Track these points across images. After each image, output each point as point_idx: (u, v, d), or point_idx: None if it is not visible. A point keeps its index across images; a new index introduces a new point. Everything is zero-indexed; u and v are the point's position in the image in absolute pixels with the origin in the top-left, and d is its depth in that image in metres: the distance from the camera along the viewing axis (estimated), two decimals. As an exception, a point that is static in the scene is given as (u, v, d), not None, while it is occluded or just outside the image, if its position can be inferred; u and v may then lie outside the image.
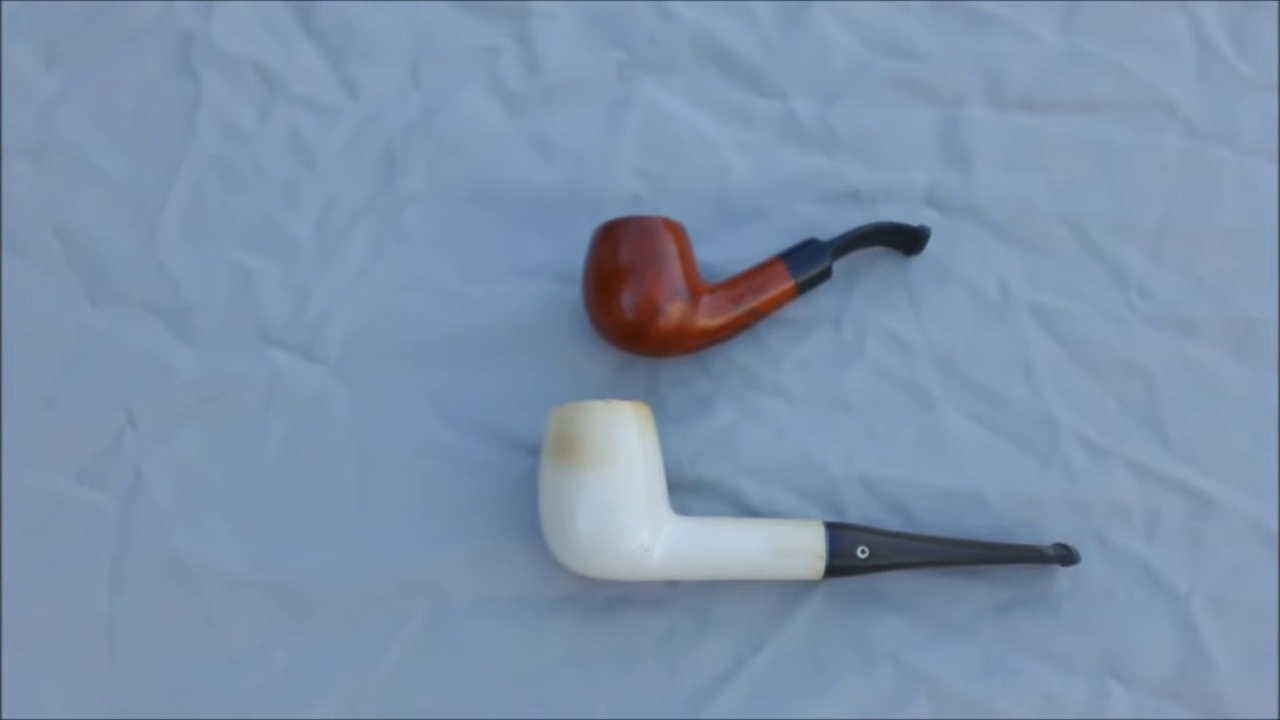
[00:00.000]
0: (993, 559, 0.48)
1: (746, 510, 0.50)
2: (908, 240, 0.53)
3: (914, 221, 0.53)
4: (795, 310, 0.53)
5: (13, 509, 0.50)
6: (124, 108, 0.55)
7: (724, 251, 0.53)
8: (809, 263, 0.51)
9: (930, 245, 0.53)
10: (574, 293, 0.53)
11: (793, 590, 0.49)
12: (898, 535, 0.48)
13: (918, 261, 0.53)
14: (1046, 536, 0.50)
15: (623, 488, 0.46)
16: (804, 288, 0.51)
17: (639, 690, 0.48)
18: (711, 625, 0.49)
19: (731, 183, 0.55)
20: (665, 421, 0.51)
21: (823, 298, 0.53)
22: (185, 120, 0.55)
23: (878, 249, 0.53)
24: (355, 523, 0.50)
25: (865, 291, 0.53)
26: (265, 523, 0.50)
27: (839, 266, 0.53)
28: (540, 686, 0.48)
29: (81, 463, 0.50)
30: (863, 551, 0.47)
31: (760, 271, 0.51)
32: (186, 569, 0.49)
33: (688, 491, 0.50)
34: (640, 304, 0.48)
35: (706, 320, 0.50)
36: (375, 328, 0.52)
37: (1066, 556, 0.48)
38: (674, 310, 0.49)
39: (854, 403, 0.52)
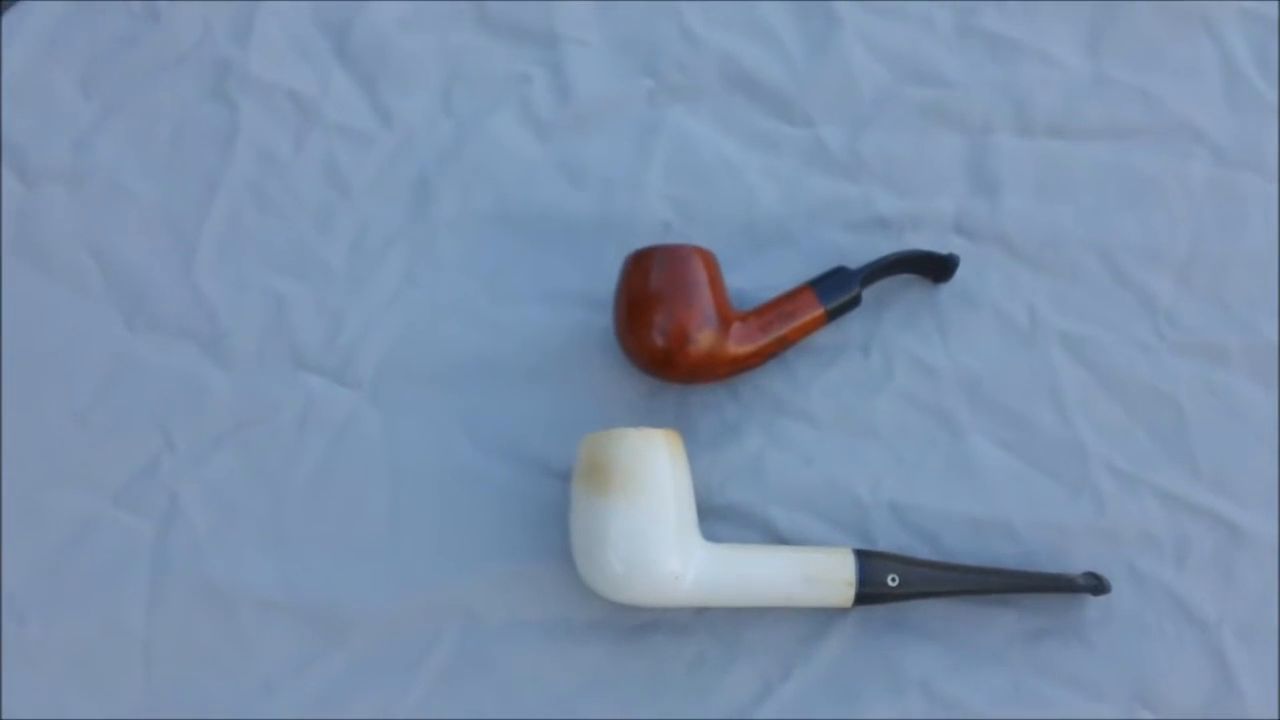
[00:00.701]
0: (1023, 588, 0.48)
1: (775, 537, 0.51)
2: (936, 268, 0.53)
3: (943, 249, 0.54)
4: (824, 337, 0.53)
5: (49, 530, 0.51)
6: (160, 135, 0.56)
7: (752, 278, 0.54)
8: (838, 290, 0.52)
9: (959, 273, 0.54)
10: (604, 318, 0.53)
11: (822, 617, 0.50)
12: (928, 564, 0.48)
13: (946, 289, 0.54)
14: (1075, 565, 0.50)
15: (654, 515, 0.47)
16: (833, 315, 0.52)
17: (669, 715, 0.48)
18: (740, 652, 0.49)
19: (760, 209, 0.55)
20: (695, 448, 0.52)
21: (851, 325, 0.54)
22: (221, 147, 0.56)
23: (906, 276, 0.54)
24: (387, 545, 0.51)
25: (894, 319, 0.54)
26: (299, 546, 0.51)
27: (868, 294, 0.54)
28: (570, 710, 0.48)
29: (118, 486, 0.51)
30: (893, 580, 0.48)
31: (790, 299, 0.52)
32: (221, 592, 0.50)
33: (717, 518, 0.51)
34: (671, 331, 0.49)
35: (737, 348, 0.50)
36: (408, 352, 0.53)
37: (1097, 586, 0.48)
38: (704, 338, 0.49)
39: (882, 429, 0.52)
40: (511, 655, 0.49)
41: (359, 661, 0.49)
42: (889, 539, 0.51)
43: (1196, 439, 0.52)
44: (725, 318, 0.50)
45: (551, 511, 0.51)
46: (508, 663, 0.49)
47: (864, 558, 0.48)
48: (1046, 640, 0.49)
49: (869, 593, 0.48)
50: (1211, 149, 0.56)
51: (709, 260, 0.51)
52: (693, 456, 0.51)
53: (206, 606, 0.50)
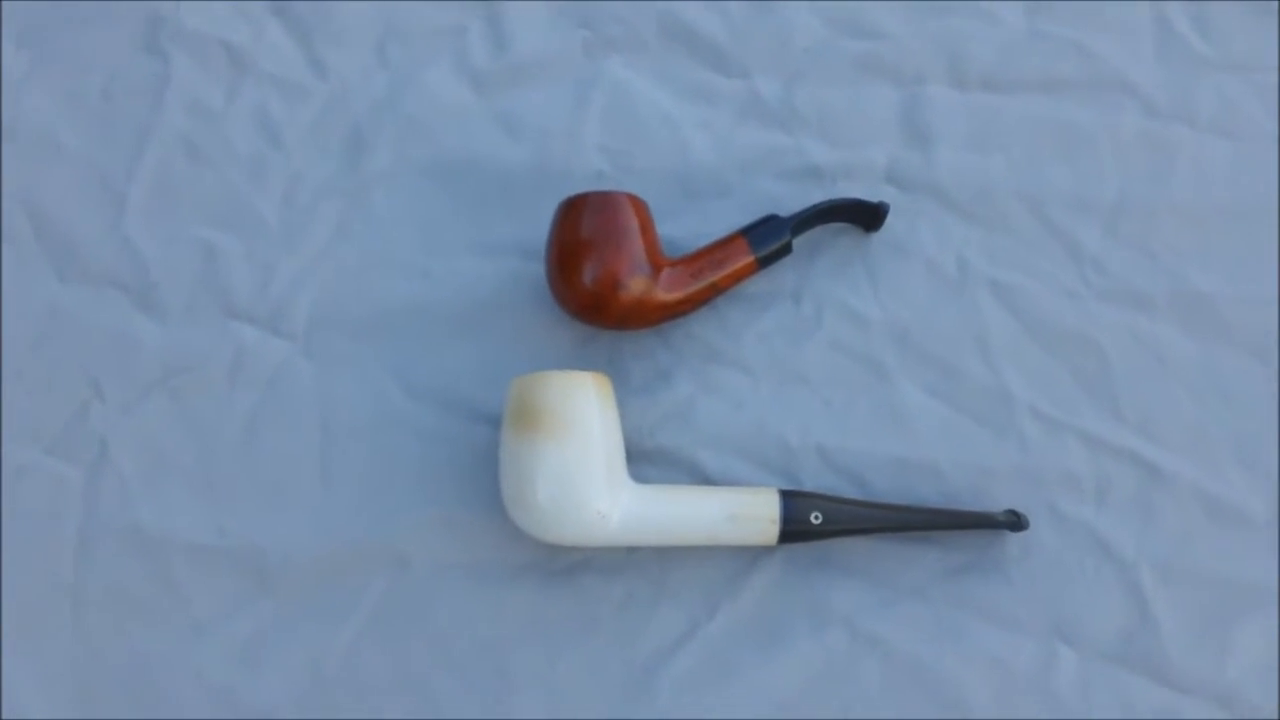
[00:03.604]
0: (944, 525, 0.51)
1: (705, 480, 0.53)
2: (867, 216, 0.56)
3: (874, 198, 0.56)
4: (755, 285, 0.56)
5: (-19, 480, 0.53)
6: (92, 87, 0.58)
7: (686, 227, 0.56)
8: (769, 238, 0.54)
9: (890, 222, 0.57)
10: (537, 268, 0.56)
11: (748, 556, 0.52)
12: (851, 502, 0.51)
13: (877, 238, 0.57)
14: (999, 505, 0.53)
15: (581, 456, 0.49)
16: (764, 263, 0.54)
17: (597, 655, 0.51)
18: (668, 591, 0.52)
19: (694, 160, 0.58)
20: (626, 393, 0.54)
21: (783, 273, 0.56)
22: (153, 99, 0.58)
23: (838, 225, 0.57)
24: (318, 492, 0.53)
25: (825, 267, 0.56)
26: (229, 493, 0.53)
27: (799, 242, 0.56)
28: (500, 651, 0.51)
29: (49, 435, 0.53)
30: (816, 517, 0.50)
31: (721, 246, 0.54)
32: (151, 539, 0.52)
33: (648, 461, 0.53)
34: (601, 277, 0.51)
35: (666, 294, 0.53)
36: (341, 303, 0.55)
37: (1016, 523, 0.51)
38: (635, 284, 0.52)
39: (812, 376, 0.55)
40: (441, 599, 0.52)
41: (289, 606, 0.52)
42: (817, 481, 0.53)
43: (1120, 384, 0.55)
44: (656, 264, 0.53)
45: (483, 457, 0.53)
46: (437, 606, 0.52)
47: (788, 496, 0.50)
48: (968, 576, 0.52)
49: (793, 530, 0.50)
50: (1143, 102, 0.59)
51: (640, 207, 0.53)
52: (624, 402, 0.54)
53: (137, 553, 0.52)
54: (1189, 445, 0.54)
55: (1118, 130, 0.58)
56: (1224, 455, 0.54)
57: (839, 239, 0.57)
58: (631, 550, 0.52)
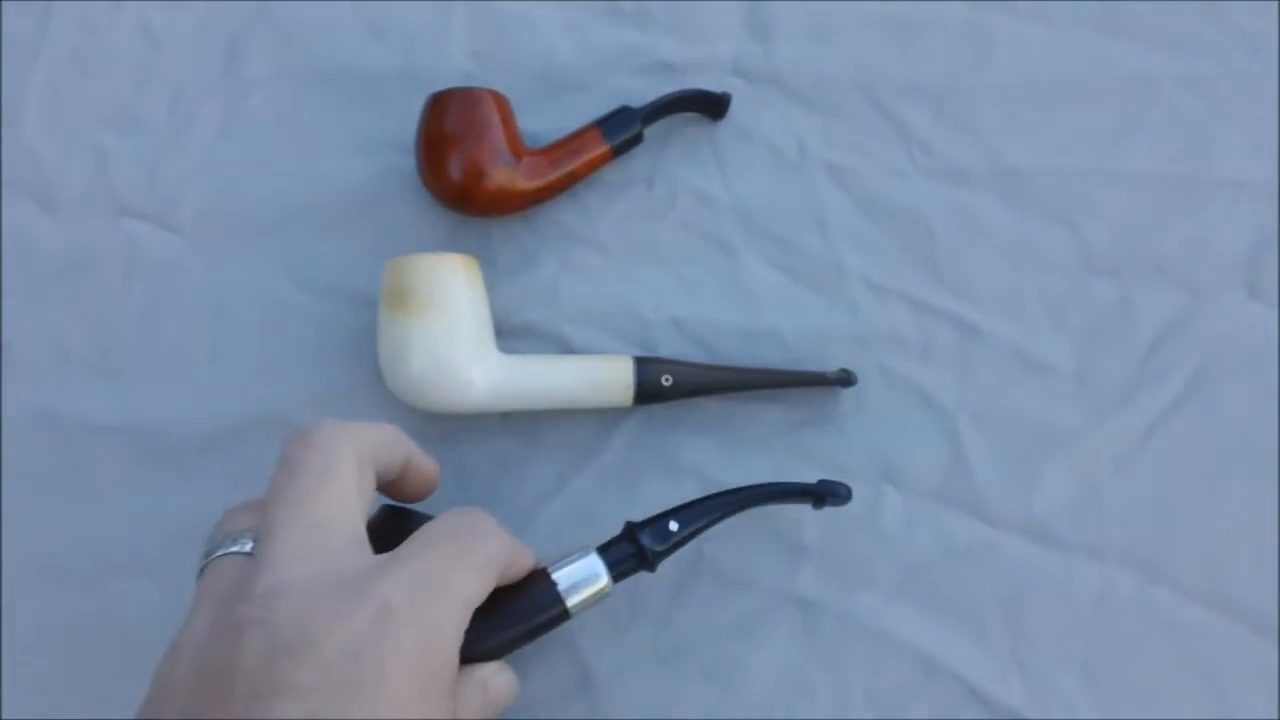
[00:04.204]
0: (782, 383, 0.57)
1: (570, 351, 0.59)
2: (712, 106, 0.61)
3: (720, 90, 0.61)
4: (611, 173, 0.61)
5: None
6: (-20, 2, 0.61)
7: (548, 122, 0.61)
8: (622, 128, 0.59)
9: (736, 111, 0.62)
10: (409, 161, 0.60)
11: (609, 418, 0.58)
12: (698, 365, 0.57)
13: (724, 126, 0.62)
14: (834, 366, 0.59)
15: (451, 330, 0.54)
16: (618, 151, 0.59)
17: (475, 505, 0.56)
18: (539, 451, 0.58)
19: (555, 59, 0.62)
20: (495, 275, 0.59)
21: (637, 161, 0.61)
22: (41, 15, 0.61)
23: (687, 115, 0.62)
24: (211, 373, 0.58)
25: (676, 154, 0.61)
26: (129, 377, 0.58)
27: (652, 132, 0.61)
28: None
29: (-45, 327, 0.58)
30: (667, 380, 0.56)
31: (577, 137, 0.59)
32: (56, 420, 0.57)
33: (517, 336, 0.59)
34: (466, 167, 0.56)
35: (527, 182, 0.57)
36: (226, 199, 0.60)
37: (845, 379, 0.57)
38: (498, 173, 0.56)
39: (665, 254, 0.60)
40: (331, 464, 0.57)
41: (186, 477, 0.57)
42: (670, 349, 0.59)
43: (943, 253, 0.60)
44: (517, 154, 0.57)
45: (363, 338, 0.58)
46: (328, 471, 0.57)
47: (641, 362, 0.56)
48: (805, 429, 0.58)
49: (647, 392, 0.56)
50: (971, -7, 0.64)
51: (500, 101, 0.57)
52: (494, 282, 0.59)
53: (43, 433, 0.57)
54: (1003, 305, 0.60)
55: (944, 18, 0.63)
56: (1035, 313, 0.60)
57: (688, 128, 0.62)
58: (505, 417, 0.58)
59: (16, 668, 0.55)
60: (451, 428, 0.58)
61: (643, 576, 0.54)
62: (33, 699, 0.55)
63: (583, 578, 0.49)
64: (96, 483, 0.56)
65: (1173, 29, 0.63)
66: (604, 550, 0.50)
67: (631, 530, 0.51)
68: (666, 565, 0.55)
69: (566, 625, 0.53)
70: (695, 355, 0.59)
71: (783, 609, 0.56)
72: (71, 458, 0.56)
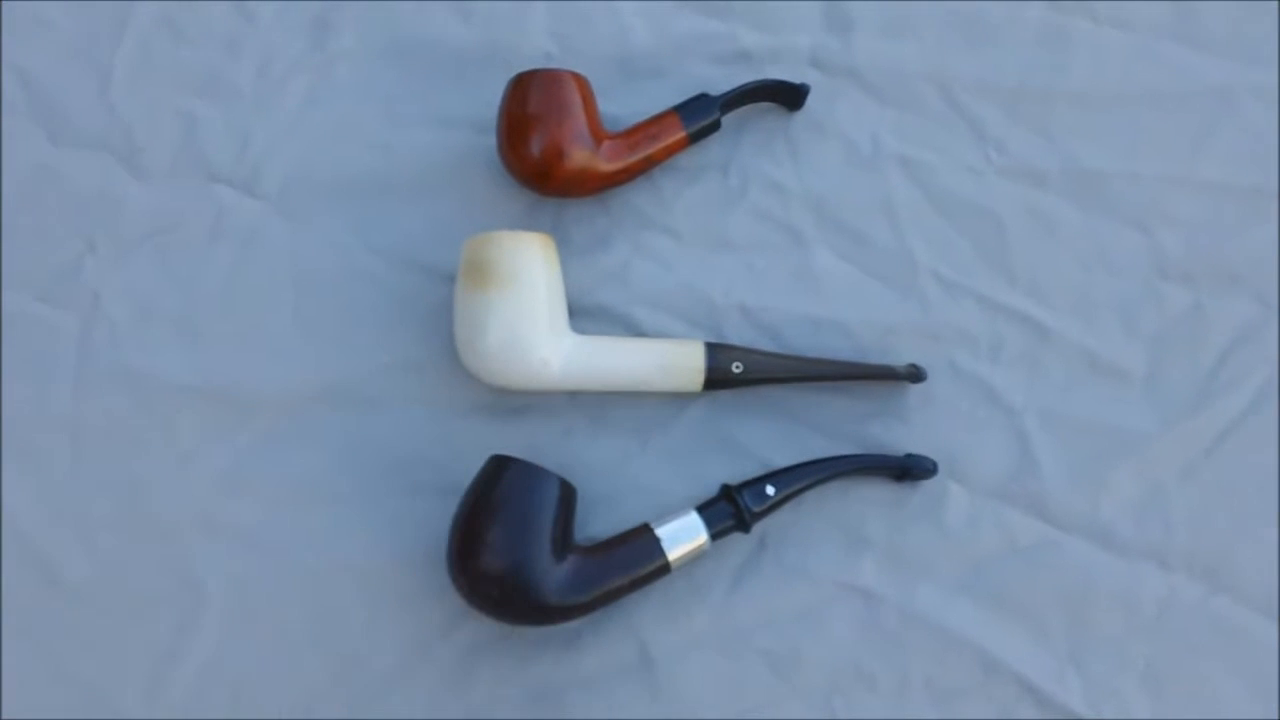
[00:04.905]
0: (851, 375, 0.58)
1: (638, 333, 0.60)
2: (790, 96, 0.61)
3: (798, 80, 0.62)
4: (687, 159, 0.62)
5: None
6: (77, -31, 0.63)
7: (625, 106, 0.62)
8: (699, 115, 0.60)
9: (811, 102, 0.62)
10: (488, 140, 0.61)
11: (676, 402, 0.59)
12: (769, 354, 0.57)
13: (799, 117, 0.62)
14: (901, 360, 0.59)
15: (527, 307, 0.55)
16: (695, 138, 0.60)
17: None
18: (605, 429, 0.58)
19: (634, 44, 0.63)
20: (569, 255, 0.60)
21: (712, 148, 0.62)
22: (132, -17, 0.63)
23: (763, 105, 0.62)
24: (290, 338, 0.59)
25: (751, 143, 0.62)
26: (210, 338, 0.59)
27: (728, 120, 0.62)
28: (452, 475, 0.56)
29: (43, 284, 0.59)
30: (737, 367, 0.56)
31: (656, 122, 0.60)
32: (140, 378, 0.58)
33: (587, 317, 0.60)
34: (547, 148, 0.57)
35: (606, 165, 0.58)
36: (310, 168, 0.61)
37: (916, 375, 0.58)
38: (577, 154, 0.57)
39: (736, 241, 0.61)
40: (402, 433, 0.58)
41: (264, 439, 0.58)
42: (738, 336, 0.60)
43: (1014, 251, 0.61)
44: (597, 137, 0.58)
45: (438, 311, 0.59)
46: (398, 440, 0.58)
47: (712, 349, 0.57)
48: (871, 422, 0.59)
49: (716, 378, 0.56)
50: (1049, -4, 0.64)
51: (582, 84, 0.58)
52: (566, 262, 0.60)
53: (127, 391, 0.58)
54: (1074, 307, 0.60)
55: (1022, 20, 0.64)
56: (1105, 316, 0.60)
57: (764, 117, 0.62)
58: (572, 395, 0.59)
59: (90, 620, 0.56)
60: (520, 403, 0.59)
61: (703, 562, 0.55)
62: (86, 658, 0.56)
63: (684, 533, 0.53)
64: (175, 441, 0.58)
65: (1250, 41, 0.64)
66: (703, 509, 0.54)
67: (729, 492, 0.55)
68: (727, 552, 0.56)
69: (626, 605, 0.55)
70: (762, 343, 0.60)
71: (844, 600, 0.56)
72: (151, 415, 0.58)
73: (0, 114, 0.61)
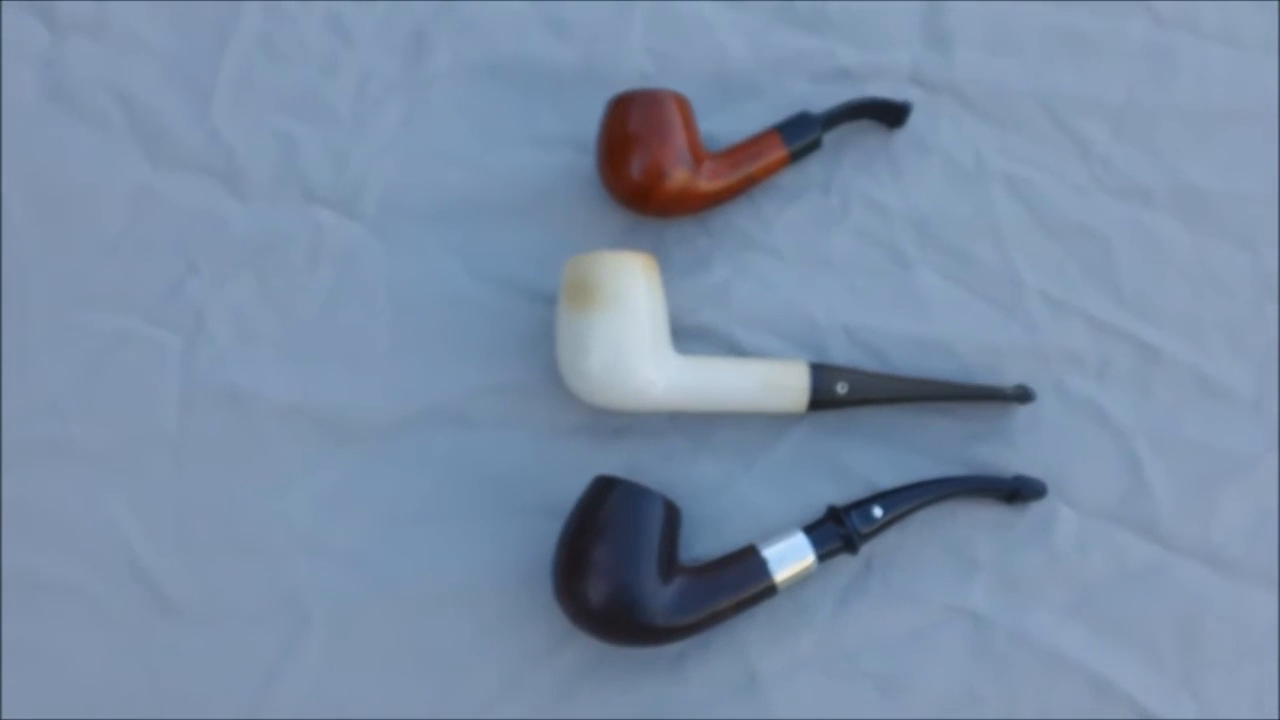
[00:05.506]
0: (958, 396, 0.57)
1: (740, 354, 0.59)
2: (891, 114, 0.61)
3: (898, 98, 0.62)
4: (787, 177, 0.61)
5: (86, 343, 0.59)
6: (173, -10, 0.63)
7: (723, 124, 0.62)
8: (801, 133, 0.59)
9: (912, 120, 0.62)
10: (587, 160, 0.61)
11: (780, 422, 0.58)
12: (874, 374, 0.57)
13: (900, 135, 0.62)
14: (1008, 381, 0.59)
15: (630, 328, 0.55)
16: (796, 156, 0.60)
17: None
18: (707, 450, 0.58)
19: (731, 62, 0.63)
20: (669, 275, 0.60)
21: (813, 166, 0.62)
22: (230, 4, 0.63)
23: (864, 122, 0.62)
24: (390, 359, 0.59)
25: (852, 161, 0.62)
26: (311, 358, 0.59)
27: (828, 138, 0.61)
28: (556, 497, 0.56)
29: (147, 305, 0.60)
30: (842, 388, 0.56)
31: (757, 141, 0.59)
32: (243, 398, 0.58)
33: (689, 337, 0.59)
34: (648, 168, 0.57)
35: (707, 184, 0.58)
36: (408, 189, 0.61)
37: (1024, 396, 0.57)
38: (678, 174, 0.57)
39: (838, 261, 0.60)
40: (502, 455, 0.58)
41: (365, 460, 0.58)
42: (841, 356, 0.59)
43: (1121, 270, 0.60)
44: (698, 156, 0.58)
45: (538, 332, 0.59)
46: (499, 461, 0.58)
47: (817, 369, 0.56)
48: (977, 443, 0.58)
49: (821, 399, 0.56)
50: (1150, 11, 0.63)
51: (683, 104, 0.58)
52: (667, 282, 0.59)
53: (230, 411, 0.58)
54: (1183, 327, 0.59)
55: (1125, 36, 0.63)
56: (1214, 337, 0.59)
57: (865, 135, 0.62)
58: (673, 417, 0.58)
59: (193, 640, 0.56)
60: (622, 424, 0.58)
61: (808, 583, 0.55)
62: (189, 679, 0.56)
63: (790, 554, 0.53)
64: (277, 461, 0.58)
65: (1357, 56, 0.63)
66: (809, 531, 0.54)
67: (836, 513, 0.54)
68: (833, 574, 0.56)
69: (731, 627, 0.54)
70: (865, 363, 0.59)
71: (953, 622, 0.56)
72: (252, 435, 0.58)
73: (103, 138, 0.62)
